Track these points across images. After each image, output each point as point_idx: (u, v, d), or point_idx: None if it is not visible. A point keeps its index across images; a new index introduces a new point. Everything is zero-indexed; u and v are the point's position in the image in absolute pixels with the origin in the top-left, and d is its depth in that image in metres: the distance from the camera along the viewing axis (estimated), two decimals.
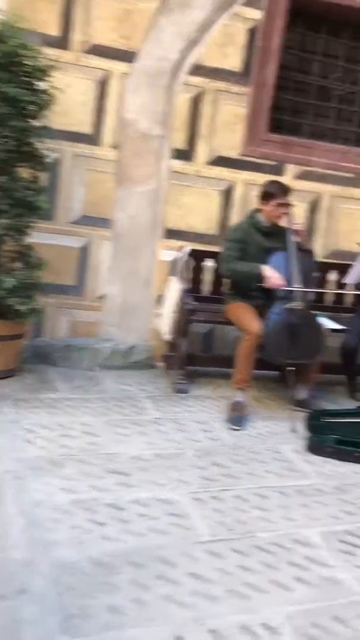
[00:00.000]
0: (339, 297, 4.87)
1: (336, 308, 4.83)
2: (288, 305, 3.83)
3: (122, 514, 2.59)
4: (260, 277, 3.81)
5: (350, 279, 3.61)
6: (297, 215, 4.31)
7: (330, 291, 4.77)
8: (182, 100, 4.49)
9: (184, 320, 4.17)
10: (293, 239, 3.96)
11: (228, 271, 3.95)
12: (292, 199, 4.04)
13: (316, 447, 3.44)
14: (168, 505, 2.70)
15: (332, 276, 4.78)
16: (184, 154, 4.55)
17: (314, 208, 4.86)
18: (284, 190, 3.95)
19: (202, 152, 4.57)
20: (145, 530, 2.49)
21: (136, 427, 3.50)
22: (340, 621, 2.08)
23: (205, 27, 4.45)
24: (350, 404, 4.26)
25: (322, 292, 4.72)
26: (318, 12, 4.73)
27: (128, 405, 3.85)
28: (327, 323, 4.19)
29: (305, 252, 4.07)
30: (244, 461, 3.23)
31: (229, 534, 2.54)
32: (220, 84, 4.52)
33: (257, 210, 4.06)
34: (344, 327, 4.31)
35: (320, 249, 4.89)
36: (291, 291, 3.85)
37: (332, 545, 2.55)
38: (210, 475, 3.02)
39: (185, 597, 2.10)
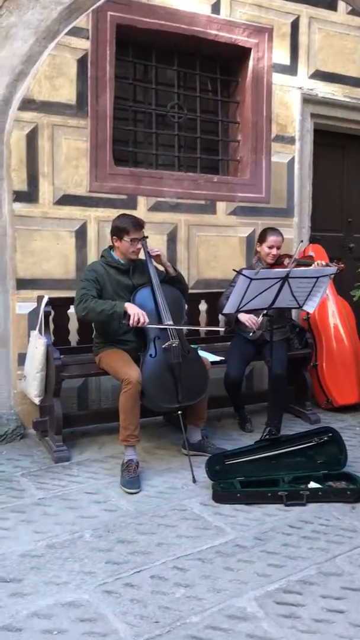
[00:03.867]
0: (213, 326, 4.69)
1: (210, 339, 4.64)
2: (164, 345, 3.53)
3: (20, 637, 2.07)
4: (121, 317, 3.44)
5: (228, 308, 3.40)
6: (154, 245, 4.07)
7: (201, 328, 4.56)
8: (16, 139, 4.06)
9: (53, 378, 3.69)
10: (154, 270, 3.71)
11: (84, 310, 3.43)
12: (147, 231, 3.78)
13: (223, 495, 3.14)
14: (75, 609, 2.23)
15: (202, 306, 4.60)
16: (27, 196, 4.12)
17: (172, 239, 4.65)
18: (138, 223, 3.65)
19: (47, 191, 4.18)
20: None
21: (17, 515, 2.95)
22: None
23: (31, 59, 4.10)
24: (244, 438, 4.06)
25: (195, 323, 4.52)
26: (145, 41, 4.59)
27: (2, 488, 3.27)
28: (207, 356, 3.95)
29: (173, 279, 3.83)
30: (150, 530, 2.83)
31: (156, 629, 2.12)
32: (56, 118, 4.18)
33: (111, 248, 3.74)
34: (223, 358, 4.11)
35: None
36: (164, 329, 3.56)
37: (271, 611, 2.23)
38: (117, 558, 2.58)
39: None
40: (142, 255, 3.74)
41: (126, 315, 3.42)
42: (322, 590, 2.38)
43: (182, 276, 3.96)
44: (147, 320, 3.46)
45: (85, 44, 4.23)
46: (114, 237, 3.65)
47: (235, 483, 3.22)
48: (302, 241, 4.74)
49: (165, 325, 3.56)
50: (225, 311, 3.52)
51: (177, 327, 3.63)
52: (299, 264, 3.98)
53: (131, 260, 3.70)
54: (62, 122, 4.21)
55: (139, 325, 3.43)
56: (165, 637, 2.08)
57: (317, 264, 3.95)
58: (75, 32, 4.18)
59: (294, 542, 2.74)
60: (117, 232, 3.63)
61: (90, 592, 2.33)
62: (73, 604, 2.25)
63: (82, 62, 4.23)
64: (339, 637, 2.10)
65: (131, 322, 3.40)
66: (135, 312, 3.43)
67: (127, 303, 3.49)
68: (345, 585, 2.41)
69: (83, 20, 4.18)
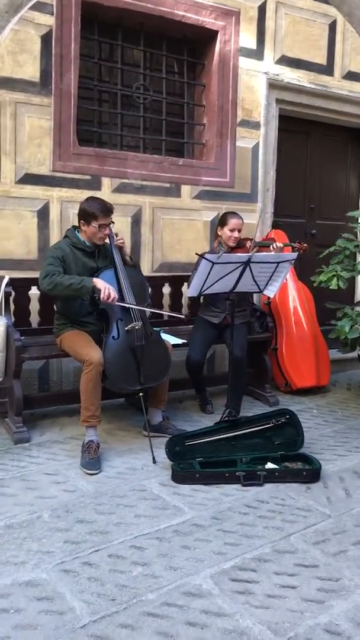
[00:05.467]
0: (175, 310, 4.70)
1: (173, 322, 4.66)
2: (127, 327, 3.54)
3: None
4: (90, 291, 3.41)
5: (190, 291, 3.42)
6: (119, 230, 4.05)
7: (165, 312, 4.58)
8: None
9: (14, 359, 3.66)
10: (118, 253, 3.69)
11: (50, 284, 3.36)
12: (114, 216, 3.74)
13: (182, 475, 3.18)
14: (33, 588, 2.24)
15: (166, 289, 4.61)
16: None
17: (136, 221, 4.64)
18: (107, 209, 3.58)
19: (9, 170, 4.11)
20: (10, 631, 2.01)
21: None
22: None
23: None
24: (204, 419, 4.11)
25: (158, 306, 4.53)
26: (111, 19, 4.53)
27: None
28: (169, 338, 3.98)
29: (131, 267, 3.82)
30: (109, 510, 2.86)
31: (113, 606, 2.16)
32: (19, 95, 4.10)
33: (75, 228, 3.69)
34: (185, 341, 4.14)
35: (148, 263, 4.70)
36: (127, 310, 3.56)
37: (226, 588, 2.29)
38: (76, 537, 2.60)
39: None
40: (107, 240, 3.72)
41: (95, 290, 3.40)
42: (276, 567, 2.45)
43: (140, 268, 3.98)
44: (117, 296, 3.46)
45: (49, 20, 4.15)
46: (82, 221, 3.60)
47: (194, 464, 3.27)
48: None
49: (131, 305, 3.55)
50: (188, 294, 3.55)
51: (142, 309, 3.63)
52: (259, 246, 4.04)
53: (95, 243, 3.67)
54: (26, 99, 4.13)
55: (109, 300, 3.41)
56: (122, 614, 2.12)
57: (275, 246, 4.00)
58: (40, 7, 4.09)
59: (250, 521, 2.80)
60: (85, 216, 3.57)
61: (48, 571, 2.35)
62: (30, 583, 2.27)
63: (46, 39, 4.15)
64: (290, 612, 2.17)
65: (102, 296, 3.37)
66: (105, 287, 3.40)
67: (96, 278, 3.45)
68: (298, 562, 2.49)
69: None
